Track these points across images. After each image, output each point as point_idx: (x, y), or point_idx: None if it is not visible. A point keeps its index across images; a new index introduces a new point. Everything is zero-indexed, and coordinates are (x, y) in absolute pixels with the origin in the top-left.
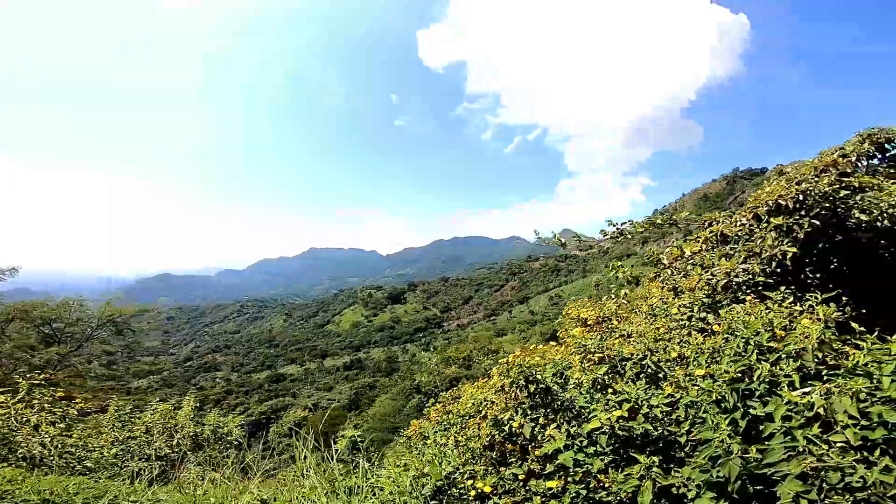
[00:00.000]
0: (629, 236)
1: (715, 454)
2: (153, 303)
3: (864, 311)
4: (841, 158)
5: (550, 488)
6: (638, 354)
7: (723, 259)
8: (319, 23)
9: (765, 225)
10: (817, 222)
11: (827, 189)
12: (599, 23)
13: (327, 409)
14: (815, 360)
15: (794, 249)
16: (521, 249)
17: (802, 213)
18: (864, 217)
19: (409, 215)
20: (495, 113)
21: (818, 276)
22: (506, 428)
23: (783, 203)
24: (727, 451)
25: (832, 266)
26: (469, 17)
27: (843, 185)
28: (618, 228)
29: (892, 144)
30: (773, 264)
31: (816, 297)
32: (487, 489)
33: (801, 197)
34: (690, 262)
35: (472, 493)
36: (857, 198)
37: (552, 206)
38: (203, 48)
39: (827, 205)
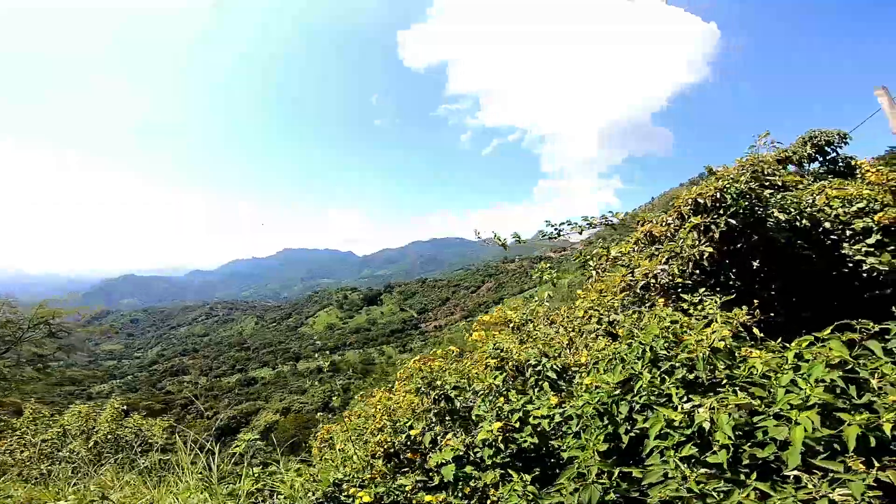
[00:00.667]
0: (566, 236)
1: (580, 473)
2: (117, 304)
3: (772, 315)
4: (765, 156)
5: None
6: (534, 360)
7: (647, 260)
8: (297, 21)
9: (687, 224)
10: (734, 221)
11: (744, 187)
12: (576, 29)
13: (298, 413)
14: (709, 369)
15: (711, 249)
16: (498, 250)
17: (721, 211)
18: (782, 216)
19: (386, 216)
20: (474, 115)
21: (740, 277)
22: (402, 436)
23: (702, 201)
24: (588, 473)
25: (753, 267)
26: (450, 18)
27: (767, 183)
28: (556, 229)
29: (832, 147)
30: (692, 265)
31: (716, 301)
32: (367, 499)
33: (718, 195)
34: (619, 262)
35: (357, 502)
36: (778, 196)
37: (530, 207)
38: (184, 39)
39: (745, 203)
